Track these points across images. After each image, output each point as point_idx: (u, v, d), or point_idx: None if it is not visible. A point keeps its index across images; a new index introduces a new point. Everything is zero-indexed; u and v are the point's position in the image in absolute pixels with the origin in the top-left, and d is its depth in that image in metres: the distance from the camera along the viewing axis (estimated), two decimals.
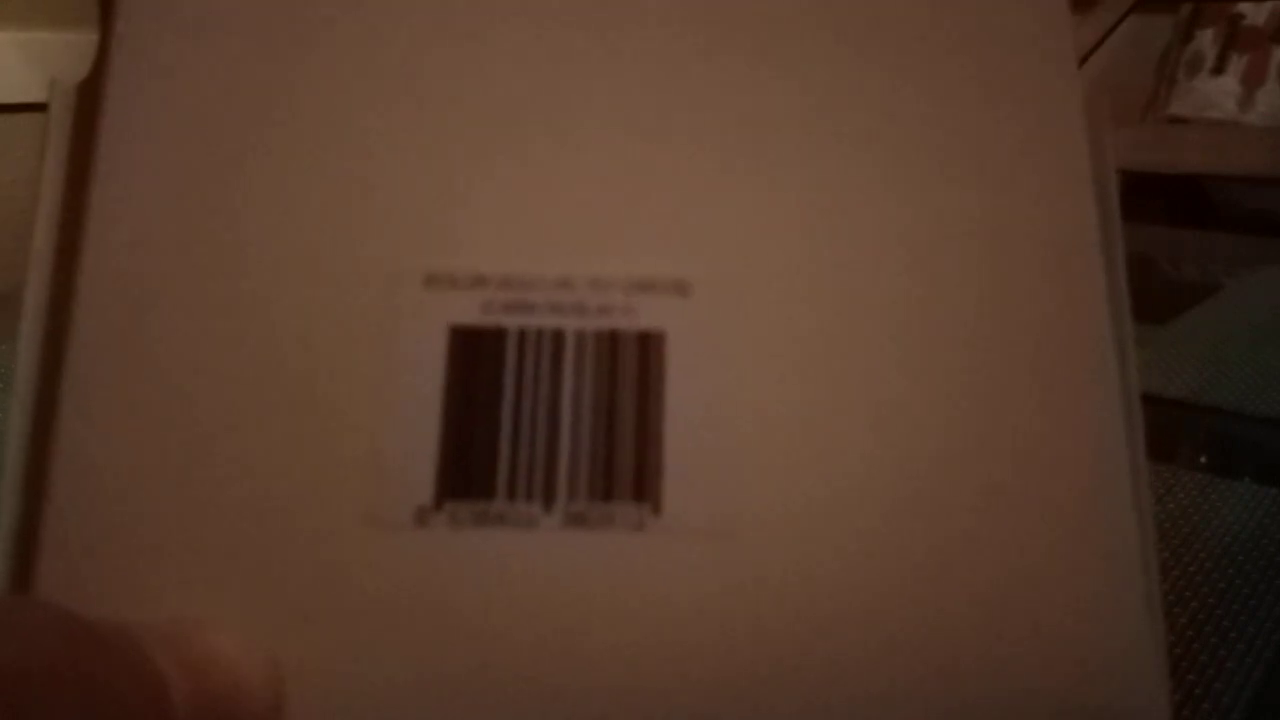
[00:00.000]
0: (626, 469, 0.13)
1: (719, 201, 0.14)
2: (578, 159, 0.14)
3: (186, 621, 0.12)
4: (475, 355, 0.14)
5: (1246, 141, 1.18)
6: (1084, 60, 1.27)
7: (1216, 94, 1.27)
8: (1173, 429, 0.44)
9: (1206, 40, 1.30)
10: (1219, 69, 1.28)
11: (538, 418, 0.14)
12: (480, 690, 0.13)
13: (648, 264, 0.14)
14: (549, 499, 0.13)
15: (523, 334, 0.14)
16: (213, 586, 0.13)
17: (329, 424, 0.13)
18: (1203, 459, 0.40)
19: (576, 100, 0.15)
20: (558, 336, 0.14)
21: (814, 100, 0.15)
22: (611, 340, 0.14)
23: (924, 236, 0.14)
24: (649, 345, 0.14)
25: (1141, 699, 0.13)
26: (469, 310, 0.14)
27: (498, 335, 0.14)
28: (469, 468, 0.13)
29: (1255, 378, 0.50)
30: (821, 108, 0.15)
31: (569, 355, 0.14)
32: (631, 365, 0.14)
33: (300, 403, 0.13)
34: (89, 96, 0.14)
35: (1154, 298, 0.64)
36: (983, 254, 0.14)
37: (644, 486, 0.13)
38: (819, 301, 0.14)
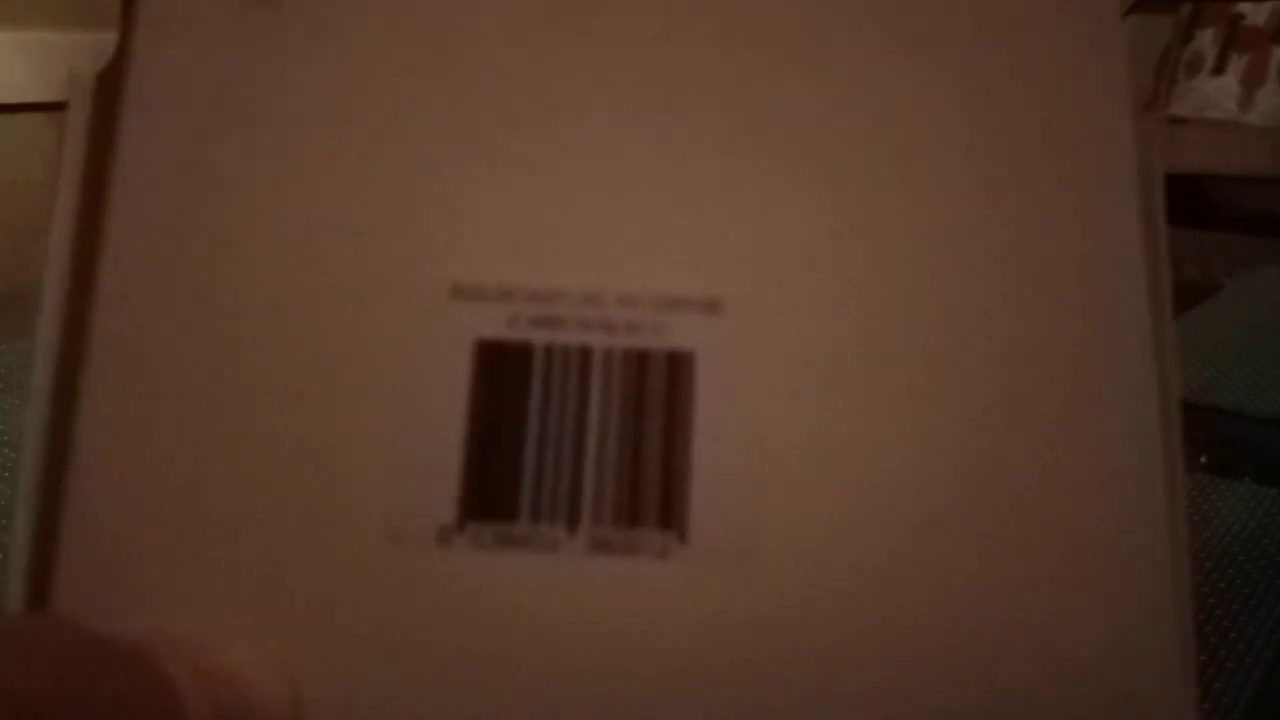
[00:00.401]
0: (652, 494, 0.13)
1: (750, 218, 0.14)
2: (607, 171, 0.14)
3: (204, 634, 0.12)
4: (501, 370, 0.14)
5: (1246, 141, 1.18)
6: None
7: (1216, 94, 1.27)
8: None
9: (1206, 40, 1.30)
10: (1219, 69, 1.28)
11: (564, 438, 0.13)
12: (498, 714, 0.13)
13: (678, 281, 0.14)
14: (573, 522, 0.13)
15: (549, 350, 0.14)
16: (230, 601, 0.13)
17: (351, 438, 0.13)
18: (1203, 459, 0.40)
19: (606, 111, 0.14)
20: (585, 354, 0.14)
21: (847, 112, 0.15)
22: (640, 359, 0.14)
23: (958, 252, 0.14)
24: (678, 365, 0.14)
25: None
26: (495, 324, 0.14)
27: (524, 351, 0.14)
28: (493, 488, 0.13)
29: (1255, 378, 0.50)
30: (855, 120, 0.14)
31: (596, 374, 0.14)
32: (660, 385, 0.14)
33: (322, 415, 0.13)
34: (108, 91, 0.14)
35: None
36: (1019, 269, 0.14)
37: (670, 513, 0.13)
38: (849, 320, 0.14)
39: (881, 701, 0.13)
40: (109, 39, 0.15)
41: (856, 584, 0.13)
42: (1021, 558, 0.13)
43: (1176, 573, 0.13)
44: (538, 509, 0.13)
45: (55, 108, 0.15)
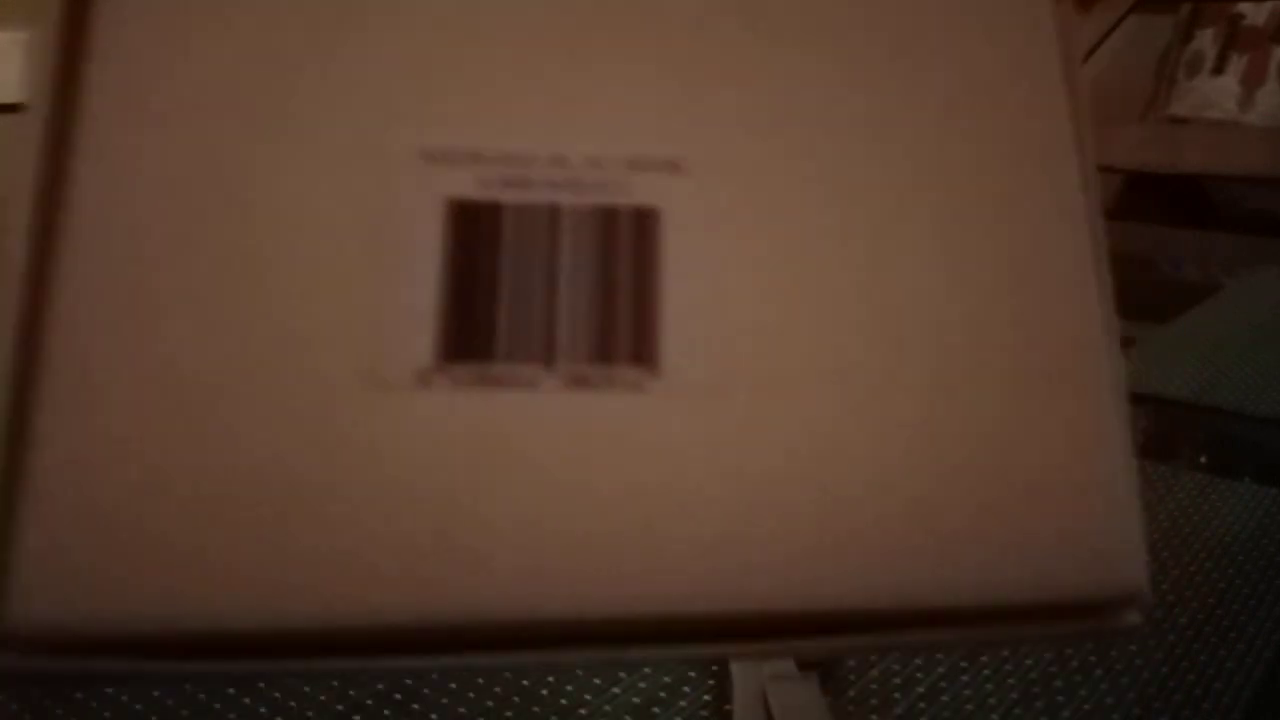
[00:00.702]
0: (625, 333, 0.14)
1: (713, 87, 0.15)
2: (574, 38, 0.15)
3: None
4: (473, 228, 0.14)
5: (1246, 141, 1.18)
6: (1084, 60, 1.27)
7: (1216, 94, 1.27)
8: (1173, 429, 0.44)
9: (1206, 40, 1.30)
10: (1219, 69, 1.28)
11: (536, 285, 0.14)
12: (481, 552, 0.13)
13: (641, 143, 0.14)
14: (549, 360, 0.13)
15: (519, 209, 0.14)
16: (211, 451, 0.13)
17: (329, 293, 0.13)
18: (1203, 459, 0.40)
19: None
20: (554, 211, 0.14)
21: (815, 21, 0.15)
22: (607, 215, 0.14)
23: (911, 125, 0.15)
24: (644, 220, 0.14)
25: (1128, 573, 0.14)
26: (466, 185, 0.14)
27: (494, 210, 0.14)
28: (469, 331, 0.14)
29: (1255, 378, 0.50)
30: (824, 24, 0.15)
31: (566, 229, 0.14)
32: (628, 239, 0.14)
33: (300, 274, 0.13)
34: (64, 96, 0.14)
35: (1154, 298, 0.64)
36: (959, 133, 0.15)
37: (642, 349, 0.14)
38: (811, 184, 0.14)
39: (844, 516, 0.13)
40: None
41: (821, 417, 0.14)
42: (987, 400, 0.14)
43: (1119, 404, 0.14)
44: (514, 347, 0.14)
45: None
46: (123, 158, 0.14)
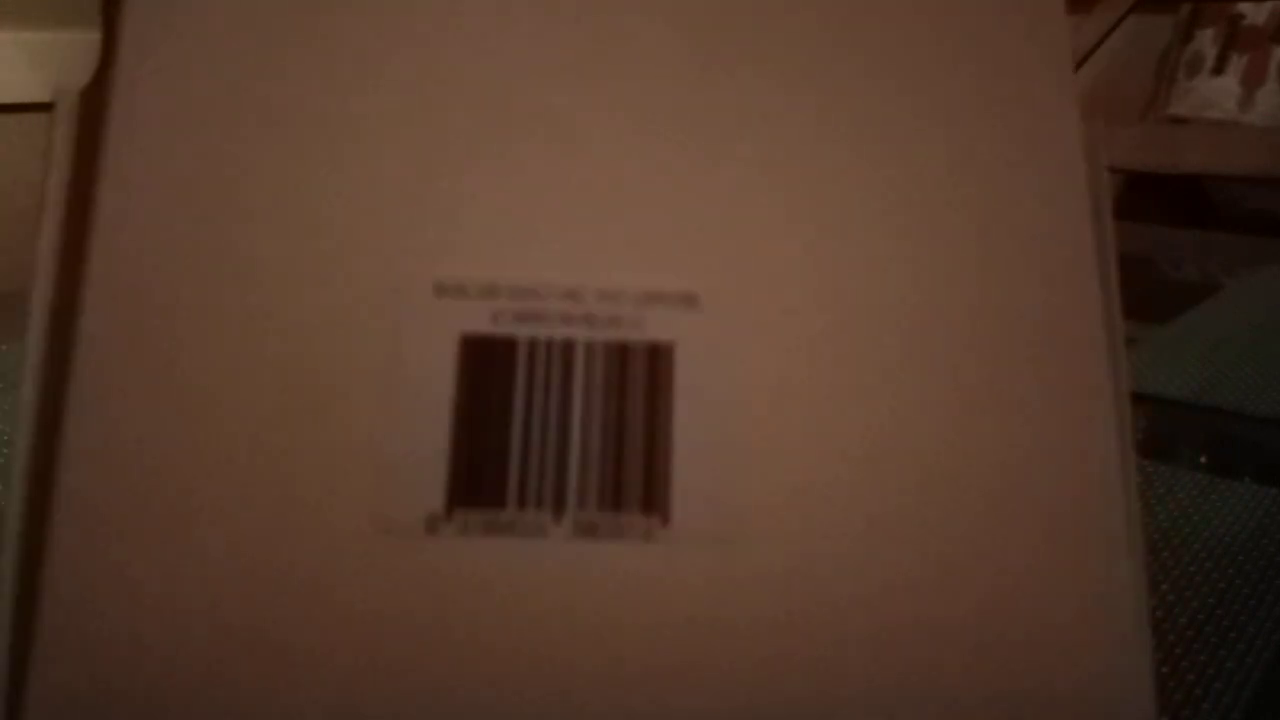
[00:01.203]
0: (635, 480, 0.14)
1: (726, 213, 0.15)
2: (586, 168, 0.14)
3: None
4: (486, 364, 0.14)
5: (1246, 141, 1.18)
6: (1083, 60, 1.27)
7: (1216, 94, 1.27)
8: (1172, 429, 0.44)
9: (1206, 40, 1.30)
10: (1219, 69, 1.28)
11: (548, 428, 0.14)
12: (490, 700, 0.13)
13: (656, 276, 0.14)
14: (559, 508, 0.13)
15: (533, 344, 0.14)
16: (220, 592, 0.13)
17: (338, 431, 0.13)
18: (1203, 459, 0.40)
19: (586, 108, 0.15)
20: (568, 347, 0.14)
21: (817, 113, 0.15)
22: (621, 352, 0.14)
23: (924, 246, 0.15)
24: (658, 356, 0.14)
25: (1130, 703, 0.13)
26: (480, 319, 0.14)
27: (508, 344, 0.14)
28: (479, 476, 0.13)
29: (1255, 377, 0.50)
30: (825, 120, 0.15)
31: (579, 366, 0.14)
32: (641, 376, 0.14)
33: (309, 410, 0.13)
34: (94, 98, 0.14)
35: (1154, 298, 0.64)
36: (981, 261, 0.15)
37: (653, 497, 0.14)
38: (823, 312, 0.14)
39: (854, 670, 0.13)
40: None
41: (830, 560, 0.14)
42: (989, 538, 0.14)
43: (1135, 553, 0.14)
44: (524, 495, 0.13)
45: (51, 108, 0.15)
46: (130, 261, 0.14)
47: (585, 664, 0.13)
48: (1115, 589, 0.14)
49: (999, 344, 0.14)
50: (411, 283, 0.14)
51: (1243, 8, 1.29)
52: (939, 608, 0.14)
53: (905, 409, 0.14)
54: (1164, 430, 0.44)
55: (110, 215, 0.14)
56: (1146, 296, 0.65)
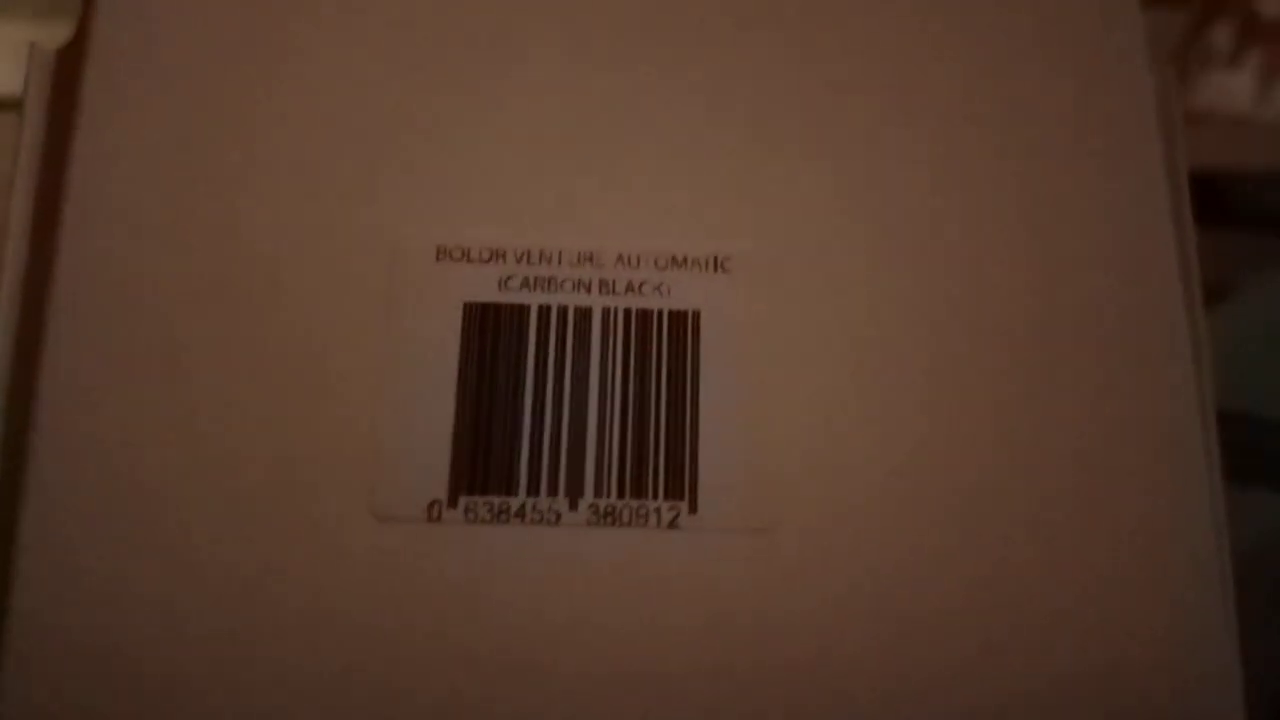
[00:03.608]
0: (659, 463, 0.14)
1: (757, 176, 0.14)
2: (604, 128, 0.15)
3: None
4: (493, 335, 0.14)
5: (1263, 137, 1.17)
6: None
7: (1231, 89, 1.26)
8: None
9: (1222, 34, 1.29)
10: (1234, 63, 1.27)
11: (564, 405, 0.14)
12: (492, 699, 0.13)
13: (680, 239, 0.14)
14: (575, 495, 0.13)
15: (545, 312, 0.14)
16: (210, 580, 0.13)
17: (334, 411, 0.13)
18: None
19: (604, 68, 0.15)
20: (584, 315, 0.14)
21: (855, 77, 0.15)
22: (642, 320, 0.14)
23: (972, 217, 0.14)
24: (682, 325, 0.14)
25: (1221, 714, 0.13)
26: (486, 286, 0.14)
27: (518, 313, 0.14)
28: (487, 459, 0.14)
29: (1273, 380, 0.49)
30: (863, 85, 0.15)
31: (596, 336, 0.14)
32: (664, 348, 0.14)
33: (302, 389, 0.13)
34: (70, 63, 0.14)
35: None
36: (1042, 245, 0.14)
37: (679, 482, 0.13)
38: (864, 281, 0.14)
39: (884, 673, 0.13)
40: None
41: (871, 564, 0.13)
42: (1046, 544, 0.13)
43: (1220, 569, 0.13)
44: (536, 480, 0.14)
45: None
46: (100, 251, 0.13)
47: (600, 662, 0.13)
48: (1200, 611, 0.13)
49: (1059, 333, 0.14)
50: (409, 248, 0.14)
51: (1258, 1, 1.28)
52: (987, 611, 0.13)
53: (951, 395, 0.14)
54: None
55: (85, 179, 0.13)
56: None
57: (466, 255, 0.14)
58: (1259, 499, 0.37)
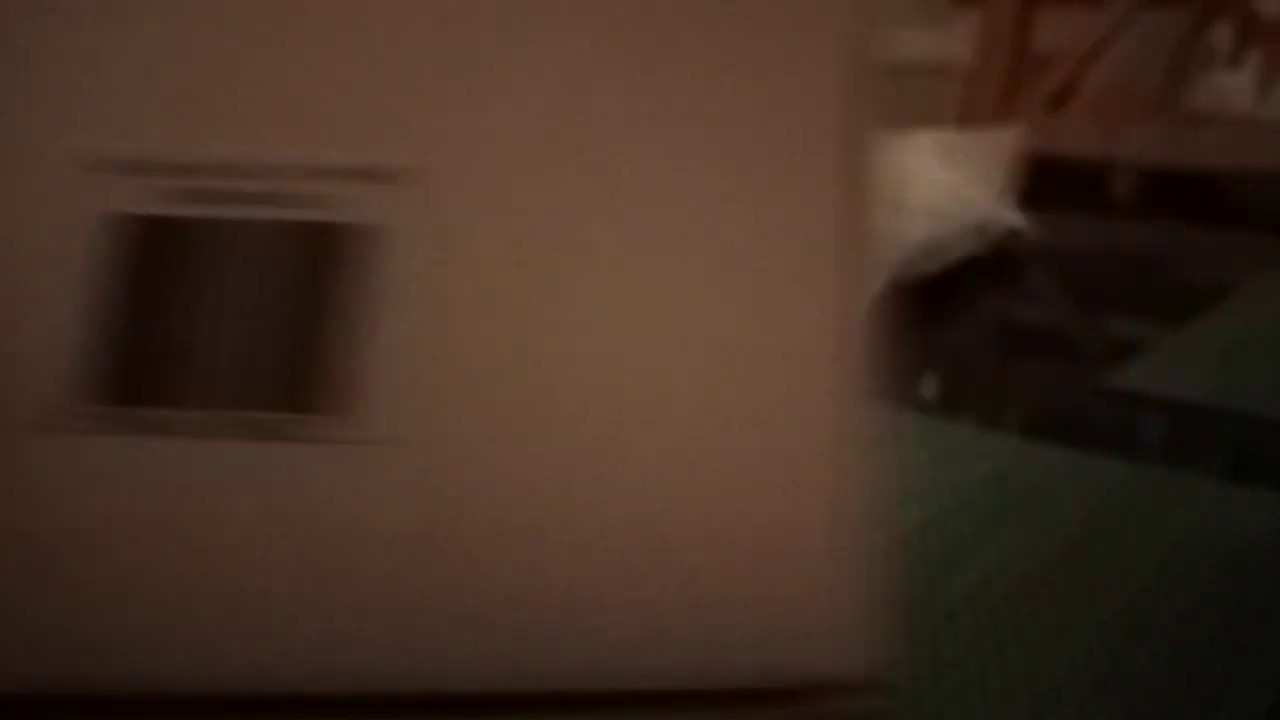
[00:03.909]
0: (326, 377, 0.12)
1: (448, 95, 0.13)
2: (283, 35, 0.13)
3: None
4: (142, 248, 0.12)
5: (1263, 137, 1.17)
6: (1096, 55, 1.26)
7: (1231, 89, 1.25)
8: (1188, 434, 0.43)
9: (1222, 34, 1.29)
10: (1234, 63, 1.26)
11: (221, 319, 0.12)
12: (138, 615, 0.12)
13: (364, 151, 0.13)
14: (230, 407, 0.12)
15: (204, 226, 0.12)
16: None
17: None
18: (1219, 465, 0.39)
19: None
20: (245, 228, 0.12)
21: (561, 9, 0.14)
22: (318, 234, 0.13)
23: (657, 140, 0.13)
24: (362, 241, 0.13)
25: (844, 657, 0.13)
26: (136, 198, 0.12)
27: (175, 226, 0.12)
28: (125, 371, 0.12)
29: (1274, 381, 0.49)
30: (576, 10, 0.14)
31: (260, 251, 0.12)
32: (337, 263, 0.13)
33: None
34: None
35: (1168, 300, 0.63)
36: (722, 148, 0.14)
37: (341, 397, 0.12)
38: (547, 200, 0.13)
39: (540, 582, 0.12)
40: None
41: (533, 471, 0.12)
42: (710, 460, 0.13)
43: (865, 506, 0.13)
44: (182, 392, 0.12)
45: None
46: None
47: (247, 570, 0.12)
48: (846, 539, 0.13)
49: (729, 232, 0.13)
50: (57, 154, 0.12)
51: (1258, 1, 1.28)
52: (653, 522, 0.12)
53: (625, 311, 0.13)
54: (1179, 436, 0.43)
55: None
56: (1160, 298, 0.64)
57: (119, 165, 0.13)
58: (1259, 499, 0.37)
